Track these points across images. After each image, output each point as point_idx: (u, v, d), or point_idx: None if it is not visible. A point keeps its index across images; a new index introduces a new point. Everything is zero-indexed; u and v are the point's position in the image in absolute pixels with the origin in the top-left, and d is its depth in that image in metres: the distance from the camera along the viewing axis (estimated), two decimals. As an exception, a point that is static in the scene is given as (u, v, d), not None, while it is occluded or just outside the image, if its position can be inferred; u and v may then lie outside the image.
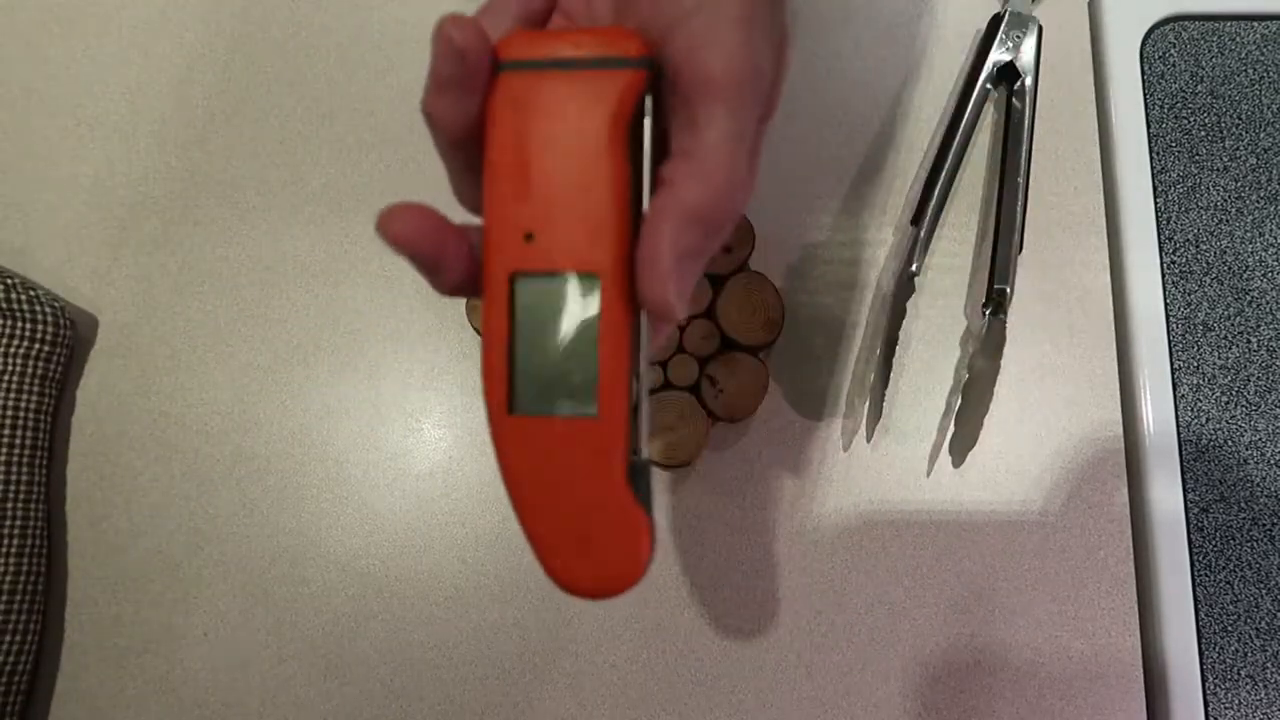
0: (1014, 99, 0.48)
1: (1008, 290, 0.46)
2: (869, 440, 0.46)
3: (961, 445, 0.45)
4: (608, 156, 0.24)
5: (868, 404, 0.45)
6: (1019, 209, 0.47)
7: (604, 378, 0.24)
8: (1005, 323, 0.46)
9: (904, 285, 0.46)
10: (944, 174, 0.47)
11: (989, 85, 0.48)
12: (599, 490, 0.24)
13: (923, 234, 0.47)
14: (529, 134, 0.24)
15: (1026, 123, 0.48)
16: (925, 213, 0.47)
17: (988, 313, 0.46)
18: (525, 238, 0.24)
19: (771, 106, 0.26)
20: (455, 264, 0.25)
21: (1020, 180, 0.47)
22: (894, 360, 0.45)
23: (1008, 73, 0.49)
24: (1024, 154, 0.47)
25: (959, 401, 0.46)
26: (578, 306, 0.24)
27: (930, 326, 0.47)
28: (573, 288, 0.24)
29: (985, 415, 0.45)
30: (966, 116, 0.48)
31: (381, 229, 0.24)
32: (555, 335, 0.24)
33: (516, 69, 0.24)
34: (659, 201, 0.23)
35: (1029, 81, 0.48)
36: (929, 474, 0.45)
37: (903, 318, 0.46)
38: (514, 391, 0.24)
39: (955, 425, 0.45)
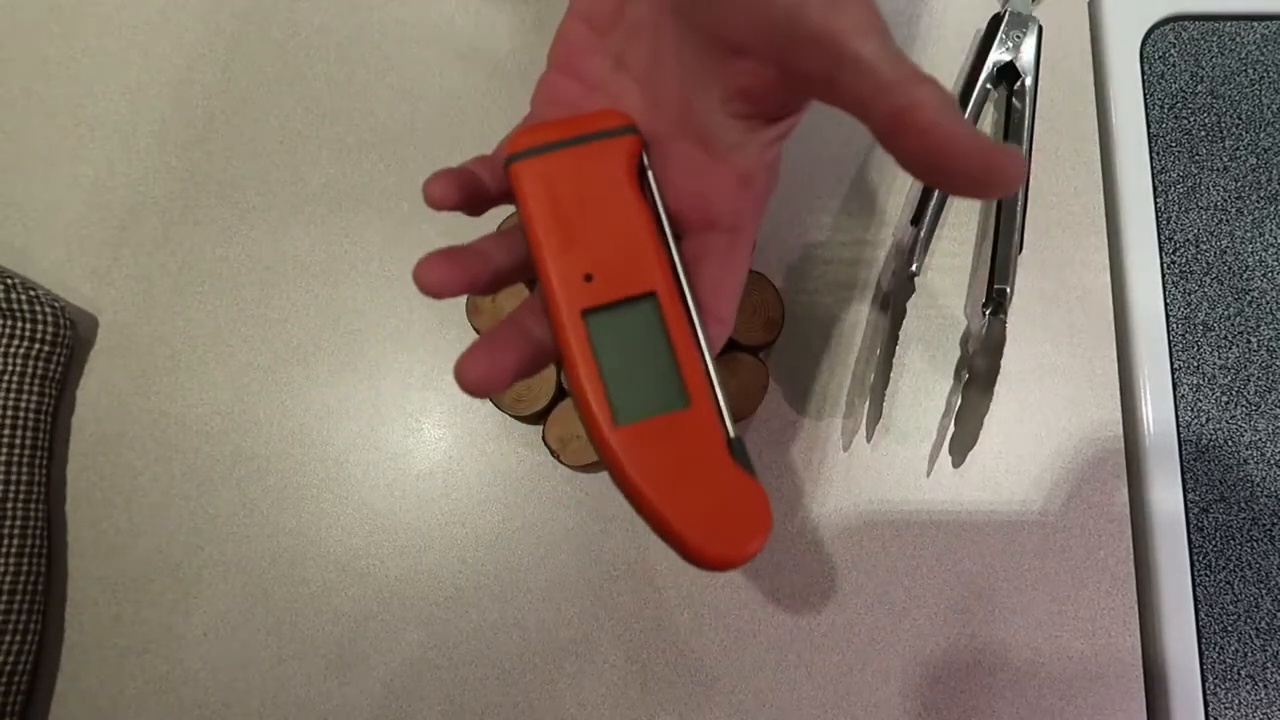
0: (1014, 99, 0.48)
1: (1008, 290, 0.46)
2: (869, 440, 0.46)
3: (961, 445, 0.45)
4: (634, 200, 0.29)
5: (868, 404, 0.45)
6: (1019, 209, 0.47)
7: (685, 370, 0.28)
8: (1005, 323, 0.46)
9: (904, 285, 0.46)
10: None
11: (989, 85, 0.48)
12: (711, 467, 0.27)
13: (923, 234, 0.47)
14: (561, 198, 0.29)
15: (1026, 123, 0.48)
16: (925, 213, 0.47)
17: (988, 313, 0.46)
18: (585, 279, 0.28)
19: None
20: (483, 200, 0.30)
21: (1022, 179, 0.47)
22: (894, 360, 0.45)
23: (1008, 73, 0.49)
24: (1024, 154, 0.47)
25: (959, 401, 0.46)
26: (645, 321, 0.28)
27: (930, 326, 0.47)
28: (637, 309, 0.28)
29: (985, 415, 0.45)
30: (966, 116, 0.48)
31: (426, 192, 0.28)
32: (633, 350, 0.28)
33: (530, 155, 0.29)
34: (916, 105, 0.24)
35: (1029, 81, 0.48)
36: (929, 474, 0.45)
37: (903, 318, 0.46)
38: (614, 406, 0.27)
39: (955, 425, 0.45)
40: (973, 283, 0.48)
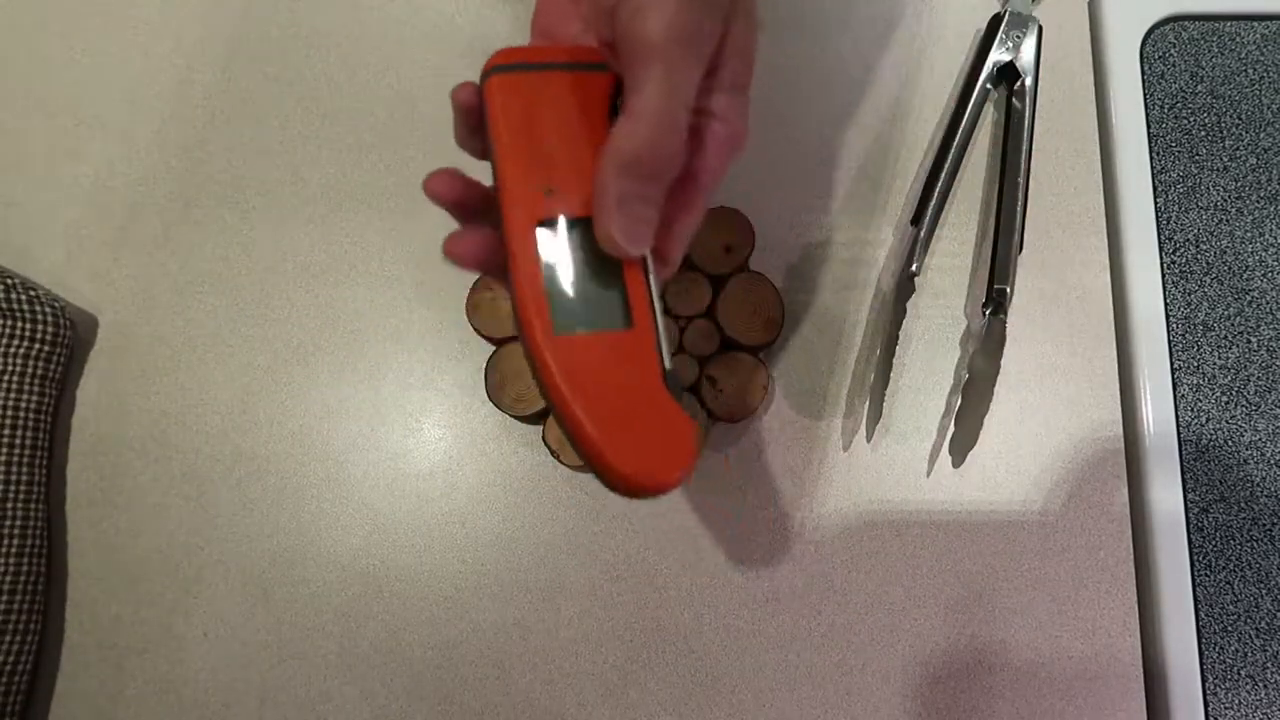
0: (1014, 99, 0.48)
1: (1008, 290, 0.46)
2: (869, 440, 0.46)
3: (961, 445, 0.45)
4: (602, 130, 0.29)
5: (868, 404, 0.45)
6: (1019, 209, 0.47)
7: (632, 294, 0.28)
8: (1005, 322, 0.46)
9: (904, 285, 0.46)
10: (944, 174, 0.47)
11: (989, 85, 0.48)
12: (643, 390, 0.28)
13: (923, 234, 0.47)
14: (533, 116, 0.29)
15: (1026, 123, 0.48)
16: (925, 213, 0.47)
17: (988, 313, 0.46)
18: (545, 193, 0.28)
19: (744, 66, 0.31)
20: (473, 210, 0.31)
21: (1020, 180, 0.47)
22: (894, 360, 0.45)
23: (1008, 73, 0.49)
24: (1024, 154, 0.47)
25: (959, 401, 0.46)
26: (596, 244, 0.28)
27: (930, 326, 0.47)
28: (591, 229, 0.28)
29: (985, 415, 0.45)
30: (966, 116, 0.48)
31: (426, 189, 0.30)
32: (581, 268, 0.28)
33: (509, 71, 0.29)
34: (602, 151, 0.27)
35: (1029, 81, 0.48)
36: (929, 474, 0.45)
37: (903, 318, 0.46)
38: (554, 315, 0.27)
39: (955, 425, 0.45)
40: (973, 283, 0.48)
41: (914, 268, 0.46)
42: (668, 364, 0.28)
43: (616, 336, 0.28)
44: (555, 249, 0.28)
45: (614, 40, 0.28)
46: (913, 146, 0.49)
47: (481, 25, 0.51)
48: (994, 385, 0.45)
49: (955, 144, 0.47)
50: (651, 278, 0.29)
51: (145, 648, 0.44)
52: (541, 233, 0.28)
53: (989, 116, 0.50)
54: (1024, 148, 0.47)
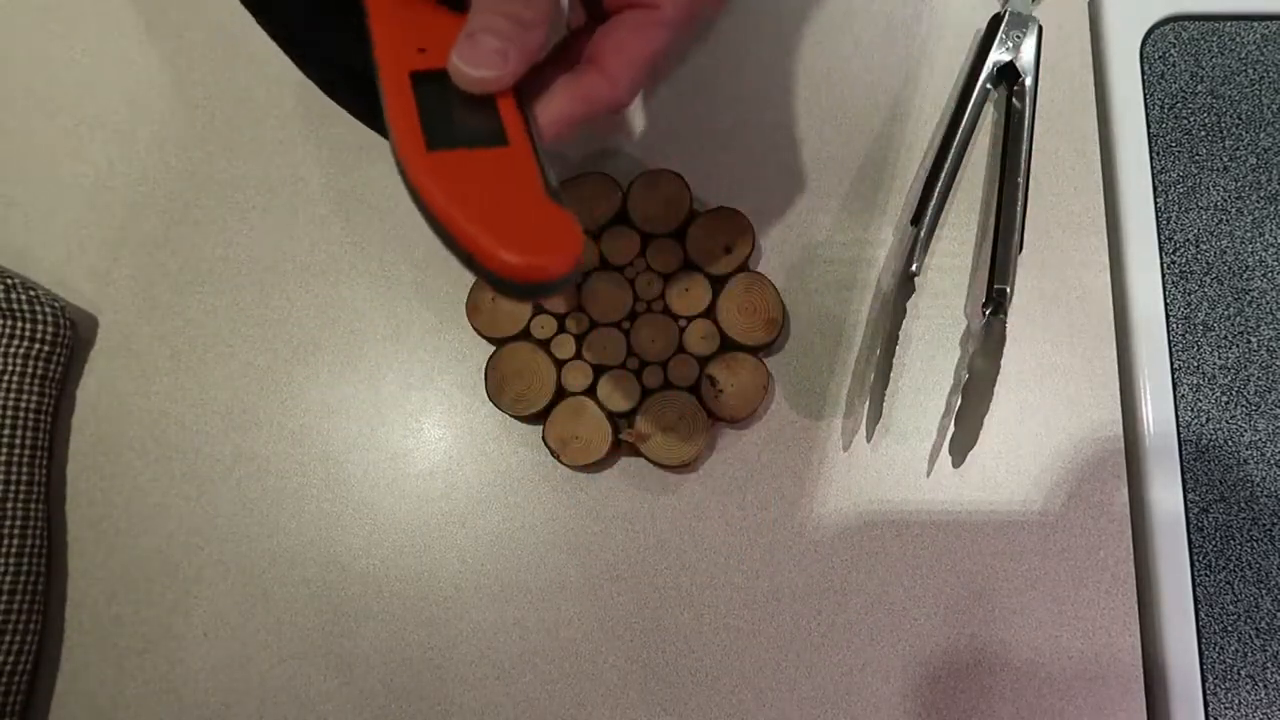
0: (1014, 99, 0.48)
1: (1008, 290, 0.46)
2: (869, 440, 0.46)
3: (962, 445, 0.45)
4: None
5: (868, 404, 0.45)
6: (1019, 209, 0.47)
7: (506, 119, 0.29)
8: (1005, 323, 0.46)
9: (904, 285, 0.46)
10: (944, 174, 0.47)
11: (989, 85, 0.48)
12: (525, 197, 0.28)
13: (922, 234, 0.47)
14: None
15: (1026, 123, 0.48)
16: (925, 213, 0.47)
17: (988, 313, 0.46)
18: (418, 51, 0.30)
19: None
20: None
21: (1020, 180, 0.47)
22: (894, 360, 0.45)
23: (1008, 73, 0.49)
24: (1024, 154, 0.47)
25: (959, 401, 0.46)
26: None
27: (930, 326, 0.47)
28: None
29: (986, 415, 0.45)
30: (966, 116, 0.48)
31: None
32: (456, 102, 0.29)
33: None
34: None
35: (1029, 82, 0.48)
36: (929, 474, 0.45)
37: (903, 318, 0.46)
38: (427, 132, 0.28)
39: (955, 425, 0.45)
40: (973, 282, 0.48)
41: (914, 268, 0.46)
42: (552, 180, 0.28)
43: (493, 154, 0.28)
44: (427, 90, 0.29)
45: None
46: (913, 146, 0.49)
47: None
48: (994, 385, 0.45)
49: (955, 144, 0.47)
50: (529, 108, 0.30)
51: (145, 648, 0.44)
52: (418, 80, 0.29)
53: (989, 116, 0.50)
54: (1024, 148, 0.47)
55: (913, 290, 0.46)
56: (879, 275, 0.48)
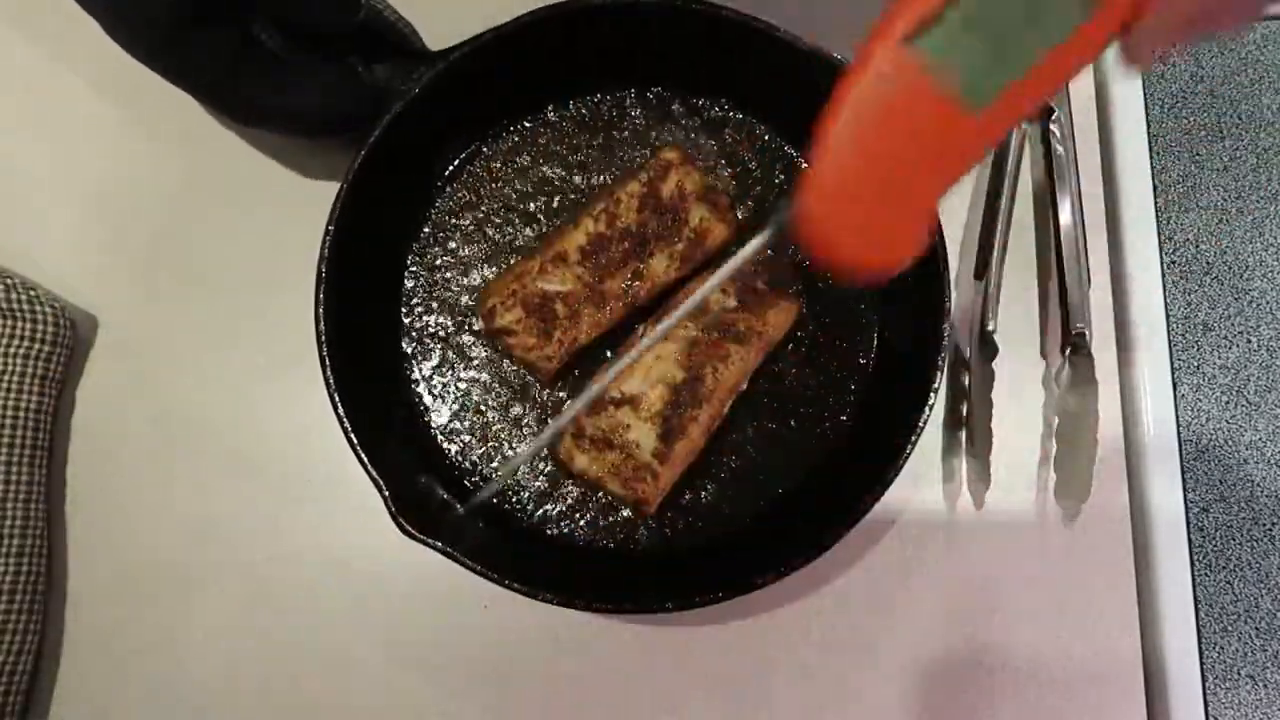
0: (1050, 138, 0.46)
1: (1087, 332, 0.44)
2: (978, 507, 0.45)
3: (1075, 489, 0.44)
4: None
5: (973, 467, 0.44)
6: (1078, 247, 0.45)
7: (1031, 75, 0.20)
8: (1092, 361, 0.44)
9: (986, 345, 0.44)
10: (999, 223, 0.45)
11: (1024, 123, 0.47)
12: (924, 183, 0.21)
13: (991, 288, 0.45)
14: None
15: (1070, 162, 0.46)
16: (989, 265, 0.45)
17: (1068, 353, 0.45)
18: None
19: None
20: None
21: (1076, 218, 0.45)
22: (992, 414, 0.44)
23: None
24: (1072, 192, 0.45)
25: (1055, 448, 0.44)
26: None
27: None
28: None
29: (1093, 460, 0.43)
30: (1010, 159, 0.46)
31: None
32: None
33: None
34: None
35: (1062, 118, 0.47)
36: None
37: (993, 380, 0.44)
38: (928, 30, 0.20)
39: (1057, 470, 0.44)
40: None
41: (990, 326, 0.44)
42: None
43: (950, 106, 0.21)
44: None
45: None
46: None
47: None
48: (1096, 427, 0.43)
49: (1004, 193, 0.46)
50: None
51: (145, 648, 0.44)
52: None
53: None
54: (1071, 186, 0.46)
55: (996, 351, 0.44)
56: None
